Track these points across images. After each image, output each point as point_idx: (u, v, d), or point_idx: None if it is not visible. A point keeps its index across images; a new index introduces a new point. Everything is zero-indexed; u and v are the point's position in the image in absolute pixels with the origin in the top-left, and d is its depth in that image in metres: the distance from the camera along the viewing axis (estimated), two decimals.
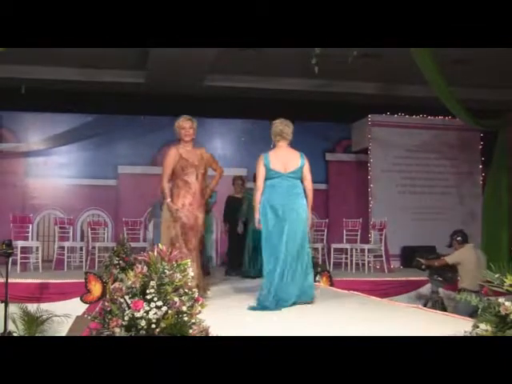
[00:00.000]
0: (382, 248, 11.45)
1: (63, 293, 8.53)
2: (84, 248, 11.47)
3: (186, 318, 3.30)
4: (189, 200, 6.53)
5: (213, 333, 3.37)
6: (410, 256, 12.69)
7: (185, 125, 6.66)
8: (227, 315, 5.39)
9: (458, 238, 8.92)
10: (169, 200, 6.49)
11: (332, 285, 8.78)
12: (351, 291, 7.58)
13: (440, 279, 8.79)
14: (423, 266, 9.01)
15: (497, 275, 3.27)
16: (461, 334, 3.50)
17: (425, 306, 8.26)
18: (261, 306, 5.70)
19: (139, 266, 3.46)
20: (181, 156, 6.57)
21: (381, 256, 11.46)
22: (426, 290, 9.69)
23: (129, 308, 3.27)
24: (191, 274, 3.52)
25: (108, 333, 3.27)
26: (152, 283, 3.32)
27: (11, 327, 7.70)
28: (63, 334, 7.78)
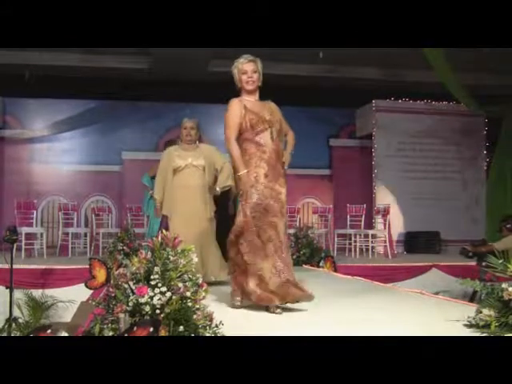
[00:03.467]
0: (386, 233, 11.45)
1: (68, 279, 8.56)
2: (88, 234, 11.50)
3: (190, 304, 3.31)
4: (264, 170, 4.71)
5: (217, 318, 3.39)
6: (413, 241, 12.75)
7: (246, 68, 4.90)
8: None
9: (508, 226, 8.63)
10: (245, 172, 4.67)
11: (336, 270, 8.79)
12: (355, 277, 7.59)
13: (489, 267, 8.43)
14: (470, 254, 8.76)
15: (500, 261, 3.28)
16: (464, 319, 3.52)
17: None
18: None
19: (143, 252, 3.48)
20: (246, 108, 4.82)
21: (384, 241, 11.48)
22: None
23: (133, 294, 3.28)
24: (195, 259, 3.53)
25: (112, 318, 3.28)
26: (156, 269, 3.33)
27: (16, 313, 7.74)
28: (68, 319, 7.82)
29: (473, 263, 8.68)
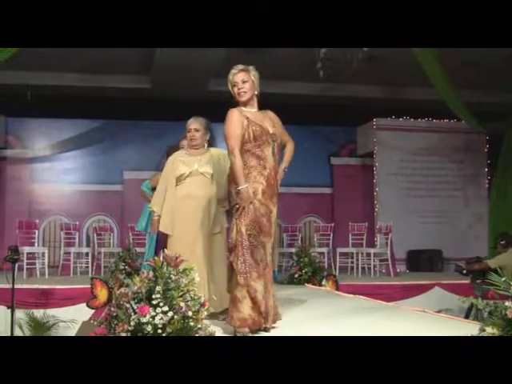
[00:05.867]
0: (388, 252, 11.42)
1: (69, 298, 8.53)
2: (90, 253, 11.47)
3: (191, 323, 3.30)
4: (262, 186, 4.43)
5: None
6: (415, 260, 12.72)
7: (236, 79, 4.58)
8: None
9: (502, 242, 8.53)
10: (245, 186, 4.33)
11: (338, 289, 8.74)
12: (357, 295, 7.56)
13: (484, 284, 8.30)
14: (464, 271, 8.66)
15: (503, 279, 3.26)
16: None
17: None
18: None
19: (145, 271, 3.47)
20: (249, 119, 4.51)
21: (387, 260, 11.44)
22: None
23: (135, 313, 3.28)
24: (197, 279, 3.51)
25: None
26: (158, 288, 3.32)
27: (18, 333, 7.70)
28: None
29: None
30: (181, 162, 5.44)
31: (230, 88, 4.62)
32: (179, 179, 5.38)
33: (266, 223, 4.40)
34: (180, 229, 5.26)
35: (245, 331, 4.19)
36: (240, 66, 4.61)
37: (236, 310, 4.25)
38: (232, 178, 4.49)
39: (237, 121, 4.47)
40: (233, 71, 4.60)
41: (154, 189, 7.44)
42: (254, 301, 4.26)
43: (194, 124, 5.52)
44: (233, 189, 4.46)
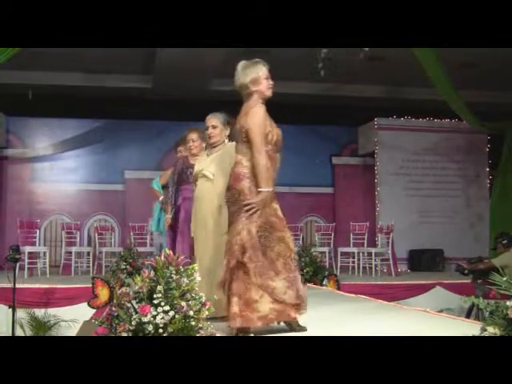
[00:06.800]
0: (389, 251, 11.43)
1: (70, 298, 8.54)
2: (91, 253, 11.48)
3: (193, 323, 3.30)
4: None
5: None
6: (417, 259, 12.72)
7: (268, 74, 4.37)
8: None
9: (504, 242, 8.54)
10: (271, 190, 4.24)
11: (339, 289, 8.76)
12: (358, 295, 7.55)
13: (485, 284, 8.25)
14: (466, 271, 8.65)
15: (504, 278, 3.26)
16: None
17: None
18: None
19: (146, 271, 3.47)
20: (270, 121, 4.31)
21: (388, 259, 11.44)
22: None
23: (136, 313, 3.27)
24: (198, 278, 3.51)
25: None
26: (159, 288, 3.32)
27: (19, 332, 7.71)
28: None
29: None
30: (197, 162, 5.38)
31: (260, 78, 4.35)
32: (195, 181, 5.30)
33: (275, 220, 4.32)
34: (196, 230, 5.19)
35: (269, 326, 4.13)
36: (262, 61, 4.40)
37: (253, 310, 4.04)
38: (253, 176, 4.23)
39: (264, 119, 4.26)
40: (264, 66, 4.37)
41: (163, 186, 7.51)
42: (274, 297, 4.07)
43: (211, 120, 5.30)
44: (246, 188, 4.24)
